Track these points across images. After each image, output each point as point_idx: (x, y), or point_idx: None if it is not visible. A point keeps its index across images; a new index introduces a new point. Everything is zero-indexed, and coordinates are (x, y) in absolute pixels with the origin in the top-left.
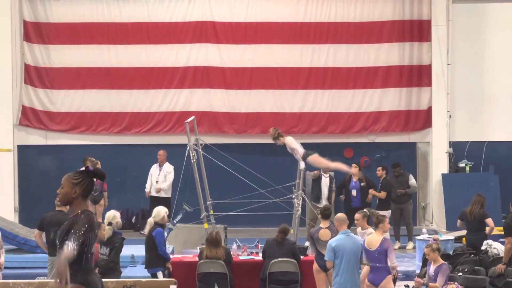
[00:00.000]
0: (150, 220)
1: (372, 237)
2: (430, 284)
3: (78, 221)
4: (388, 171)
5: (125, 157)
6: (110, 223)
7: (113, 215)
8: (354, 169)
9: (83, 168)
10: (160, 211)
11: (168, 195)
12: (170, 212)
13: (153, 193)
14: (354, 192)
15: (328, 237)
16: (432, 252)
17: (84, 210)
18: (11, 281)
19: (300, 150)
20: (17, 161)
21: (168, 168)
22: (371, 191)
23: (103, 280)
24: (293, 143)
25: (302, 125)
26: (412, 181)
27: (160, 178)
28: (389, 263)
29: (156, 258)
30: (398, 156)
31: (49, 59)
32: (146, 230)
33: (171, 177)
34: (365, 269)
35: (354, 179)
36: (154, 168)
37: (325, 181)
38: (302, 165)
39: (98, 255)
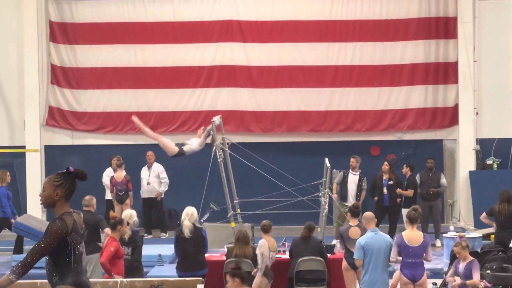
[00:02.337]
0: (187, 223)
1: (412, 234)
2: (467, 281)
3: (47, 230)
4: (413, 169)
5: None
6: (127, 223)
7: (130, 214)
8: (385, 167)
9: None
10: (194, 213)
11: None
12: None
13: (145, 195)
14: (385, 190)
15: (358, 235)
16: (463, 249)
17: (62, 214)
18: (38, 281)
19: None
20: (44, 161)
21: (159, 168)
22: (399, 190)
23: (129, 279)
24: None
25: (328, 123)
26: (443, 180)
27: (151, 179)
28: (428, 258)
29: (204, 259)
30: (425, 154)
31: (75, 59)
32: (187, 233)
33: (165, 176)
34: (397, 274)
35: (385, 177)
36: (144, 171)
37: (353, 179)
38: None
39: (122, 253)
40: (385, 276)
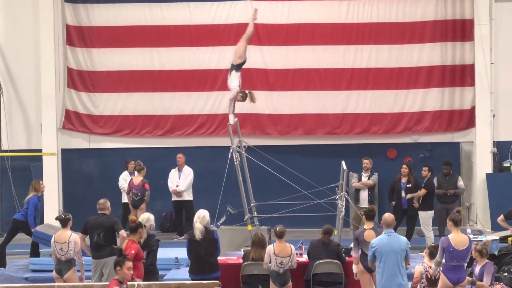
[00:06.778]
0: (199, 226)
1: (459, 237)
2: (478, 282)
3: None
4: (433, 172)
5: (168, 159)
6: (144, 226)
7: (147, 217)
8: (404, 170)
9: None
10: (205, 215)
11: (190, 197)
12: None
13: (174, 198)
14: (403, 193)
15: (373, 238)
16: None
17: None
18: (56, 284)
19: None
20: (61, 164)
21: (187, 170)
22: (408, 195)
23: (145, 282)
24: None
25: (345, 126)
26: (460, 182)
27: (181, 182)
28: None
29: (217, 262)
30: (441, 156)
31: (91, 63)
32: (198, 235)
33: (189, 178)
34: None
35: (403, 180)
36: (174, 172)
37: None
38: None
39: (142, 256)
40: (399, 279)
